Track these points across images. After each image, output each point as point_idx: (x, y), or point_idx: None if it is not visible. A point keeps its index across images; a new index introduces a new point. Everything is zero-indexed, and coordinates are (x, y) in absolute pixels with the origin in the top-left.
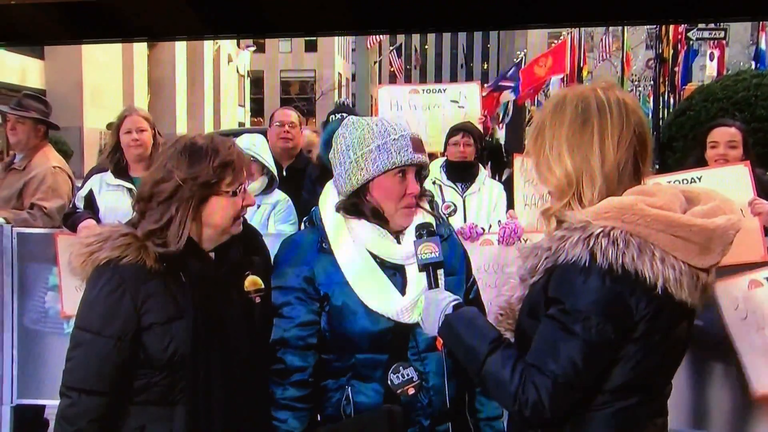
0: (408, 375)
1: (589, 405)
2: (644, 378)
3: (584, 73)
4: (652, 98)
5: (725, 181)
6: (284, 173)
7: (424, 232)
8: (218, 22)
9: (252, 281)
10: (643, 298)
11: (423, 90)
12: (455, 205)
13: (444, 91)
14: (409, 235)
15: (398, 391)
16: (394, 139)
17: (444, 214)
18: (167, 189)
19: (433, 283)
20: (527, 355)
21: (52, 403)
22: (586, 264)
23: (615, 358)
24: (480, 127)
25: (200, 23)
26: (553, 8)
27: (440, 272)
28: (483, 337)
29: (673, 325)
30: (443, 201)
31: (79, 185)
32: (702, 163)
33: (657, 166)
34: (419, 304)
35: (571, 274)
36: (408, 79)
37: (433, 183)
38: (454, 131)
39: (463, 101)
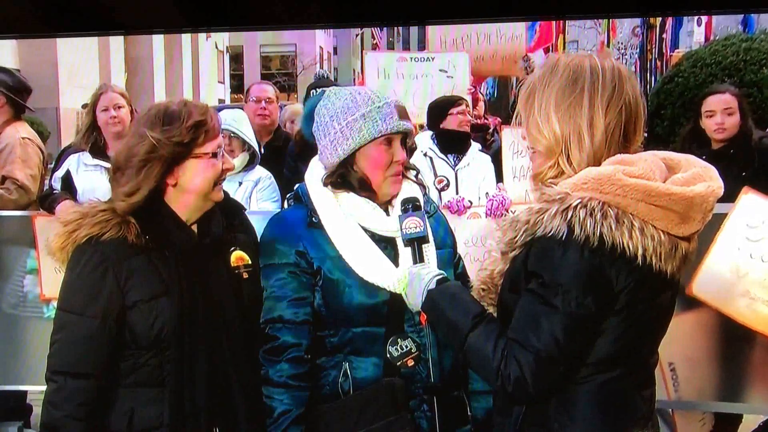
0: (406, 347)
1: (574, 378)
2: (628, 350)
3: (566, 39)
4: (638, 66)
5: None
6: (263, 150)
7: (409, 206)
8: (196, 13)
9: (238, 256)
10: (624, 269)
11: (411, 58)
12: (448, 180)
13: (432, 59)
14: (397, 207)
15: (398, 363)
16: (379, 107)
17: (437, 188)
18: (142, 150)
19: (417, 258)
20: (509, 330)
21: (33, 389)
22: (564, 237)
23: (597, 330)
24: (469, 98)
25: (178, 15)
26: (538, 1)
27: (425, 247)
28: (466, 313)
29: (656, 295)
30: (435, 175)
31: (52, 165)
32: (698, 132)
33: (645, 134)
34: (404, 279)
35: (549, 247)
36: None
37: (425, 155)
38: (457, 100)
39: (452, 71)
